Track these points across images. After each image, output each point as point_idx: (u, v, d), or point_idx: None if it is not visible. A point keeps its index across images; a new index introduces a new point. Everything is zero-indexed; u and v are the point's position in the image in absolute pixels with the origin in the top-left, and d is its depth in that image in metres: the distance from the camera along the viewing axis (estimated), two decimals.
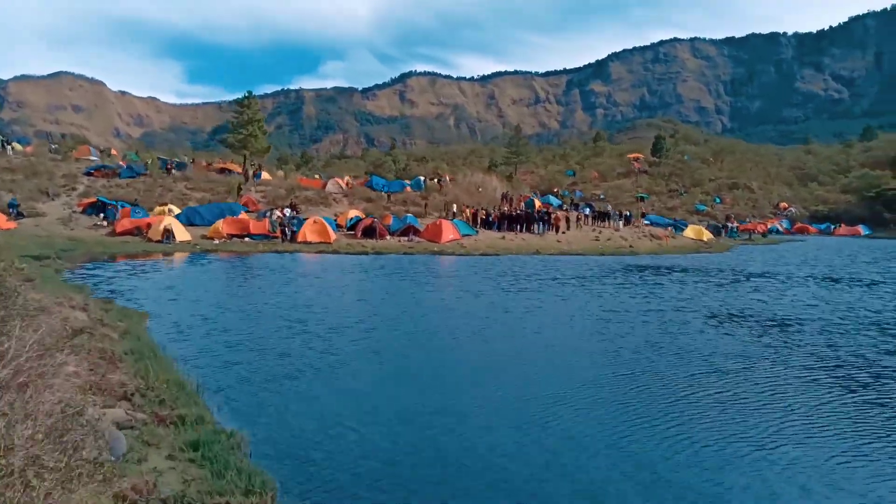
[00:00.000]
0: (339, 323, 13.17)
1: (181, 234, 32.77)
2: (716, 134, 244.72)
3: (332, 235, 33.73)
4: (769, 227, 66.68)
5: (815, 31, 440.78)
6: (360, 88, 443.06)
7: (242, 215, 37.73)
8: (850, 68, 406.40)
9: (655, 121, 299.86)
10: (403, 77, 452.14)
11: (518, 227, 38.20)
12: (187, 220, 35.39)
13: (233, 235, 34.04)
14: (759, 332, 13.54)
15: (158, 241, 31.38)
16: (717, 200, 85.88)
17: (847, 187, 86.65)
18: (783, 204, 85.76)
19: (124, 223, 33.14)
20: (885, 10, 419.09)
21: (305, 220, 35.79)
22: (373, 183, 48.98)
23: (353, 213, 39.39)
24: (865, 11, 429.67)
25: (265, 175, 53.01)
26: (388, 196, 47.02)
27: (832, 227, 73.41)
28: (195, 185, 44.00)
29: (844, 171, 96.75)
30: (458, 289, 19.65)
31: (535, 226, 38.25)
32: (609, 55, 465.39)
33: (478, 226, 38.63)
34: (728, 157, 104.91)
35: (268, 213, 37.89)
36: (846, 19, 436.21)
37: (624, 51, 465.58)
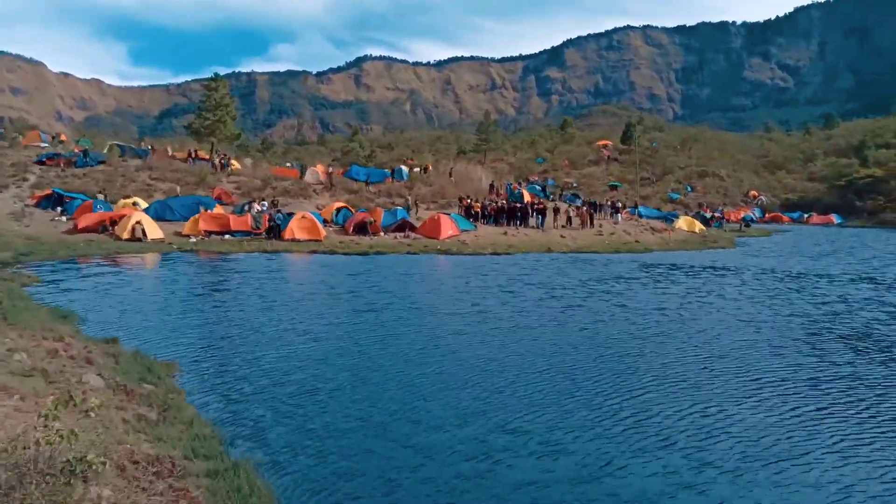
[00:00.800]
0: (441, 381, 9.53)
1: (153, 231, 29.39)
2: (668, 122, 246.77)
3: (322, 232, 30.82)
4: (743, 215, 65.98)
5: (762, 21, 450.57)
6: (314, 72, 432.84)
7: (218, 209, 34.42)
8: (796, 58, 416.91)
9: (611, 107, 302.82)
10: (359, 61, 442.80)
11: (515, 220, 35.89)
12: (156, 214, 31.91)
13: (211, 232, 30.80)
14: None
15: (129, 240, 27.98)
16: (689, 189, 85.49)
17: (815, 175, 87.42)
18: (753, 192, 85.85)
19: (87, 219, 29.51)
20: (829, 1, 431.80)
21: (289, 214, 32.72)
22: (352, 172, 45.85)
23: (339, 205, 36.42)
24: (810, 2, 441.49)
25: (233, 164, 49.28)
26: (367, 183, 44.07)
27: (805, 215, 73.52)
28: (160, 174, 40.23)
29: (809, 159, 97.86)
30: (523, 299, 16.90)
31: (534, 219, 35.98)
32: (564, 42, 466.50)
33: (472, 219, 36.17)
34: (695, 144, 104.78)
35: (246, 207, 34.70)
36: (792, 9, 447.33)
37: (578, 38, 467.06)
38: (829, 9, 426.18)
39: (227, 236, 30.61)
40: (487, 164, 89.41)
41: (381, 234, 31.96)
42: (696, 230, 45.02)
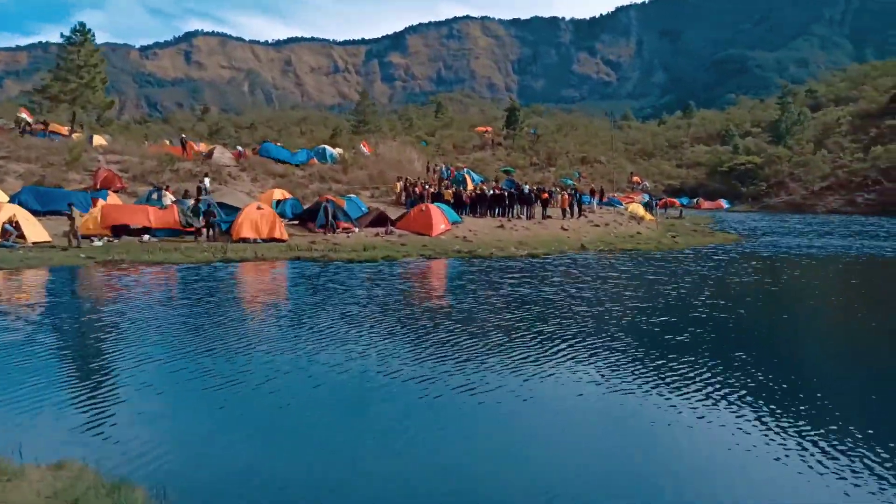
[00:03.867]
0: None
1: (34, 231, 20.08)
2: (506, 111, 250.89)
3: (283, 229, 23.01)
4: (640, 201, 65.41)
5: (588, 18, 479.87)
6: (137, 46, 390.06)
7: (114, 199, 25.20)
8: (617, 54, 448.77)
9: (456, 95, 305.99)
10: (188, 36, 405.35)
11: (504, 211, 30.25)
12: (25, 206, 22.24)
13: (120, 231, 21.87)
14: None
15: None
16: (577, 174, 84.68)
17: (690, 162, 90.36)
18: (636, 178, 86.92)
19: None
20: (644, 2, 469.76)
21: (223, 205, 24.40)
22: (269, 152, 37.16)
23: (280, 193, 28.42)
24: (629, 3, 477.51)
25: (98, 140, 38.35)
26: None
27: (694, 200, 75.11)
28: (10, 153, 29.40)
29: (674, 146, 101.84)
30: None
31: (519, 209, 30.41)
32: (406, 28, 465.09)
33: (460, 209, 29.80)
34: (571, 131, 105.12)
35: (155, 196, 25.66)
36: (613, 9, 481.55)
37: (420, 24, 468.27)
38: (645, 10, 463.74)
39: (146, 237, 21.85)
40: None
41: (355, 229, 24.73)
42: (647, 218, 42.17)
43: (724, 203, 72.26)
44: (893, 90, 76.79)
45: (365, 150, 43.51)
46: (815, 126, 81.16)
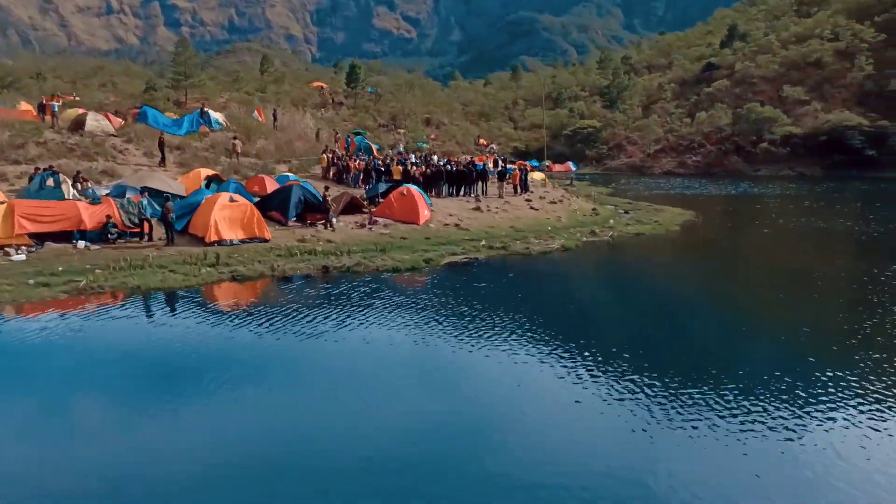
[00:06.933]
0: None
1: None
2: (311, 64, 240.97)
3: (265, 227, 18.30)
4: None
5: None
6: None
7: None
8: (416, 10, 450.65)
9: (255, 44, 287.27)
10: None
11: (465, 189, 27.45)
12: None
13: (42, 237, 15.91)
14: None
15: None
16: (425, 137, 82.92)
17: (527, 124, 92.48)
18: (482, 140, 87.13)
19: None
20: None
21: (152, 192, 18.91)
22: (148, 118, 29.93)
23: (206, 172, 22.94)
24: None
25: None
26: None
27: (544, 163, 77.15)
28: None
29: (508, 107, 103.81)
30: None
31: (481, 186, 27.81)
32: None
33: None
34: (410, 91, 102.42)
35: (50, 181, 19.17)
36: None
37: None
38: None
39: (81, 243, 16.09)
40: (190, 104, 72.99)
41: (336, 220, 20.56)
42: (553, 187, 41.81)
43: (571, 165, 75.15)
44: (704, 60, 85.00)
45: (259, 117, 37.51)
46: (640, 92, 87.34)
